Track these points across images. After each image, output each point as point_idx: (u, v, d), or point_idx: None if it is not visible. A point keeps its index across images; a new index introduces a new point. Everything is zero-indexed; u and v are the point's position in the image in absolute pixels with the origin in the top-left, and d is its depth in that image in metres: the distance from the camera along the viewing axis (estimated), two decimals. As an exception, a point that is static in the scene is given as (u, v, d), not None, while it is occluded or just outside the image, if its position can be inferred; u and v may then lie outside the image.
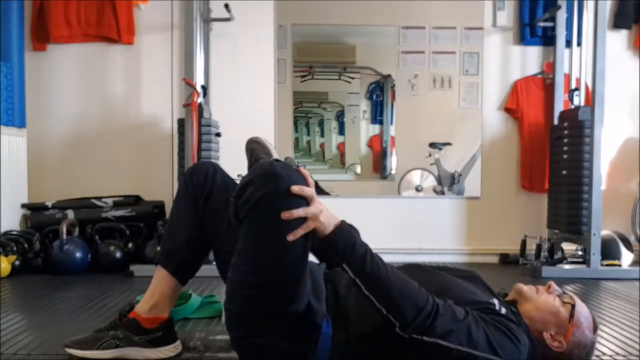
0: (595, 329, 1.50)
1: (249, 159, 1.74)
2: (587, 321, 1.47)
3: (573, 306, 1.46)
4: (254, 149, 1.74)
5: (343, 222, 1.34)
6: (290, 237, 1.27)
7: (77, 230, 3.40)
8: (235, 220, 1.35)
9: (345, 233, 1.32)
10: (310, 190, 1.30)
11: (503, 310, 1.39)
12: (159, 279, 1.69)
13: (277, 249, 1.30)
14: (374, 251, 1.34)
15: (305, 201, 1.29)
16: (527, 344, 1.39)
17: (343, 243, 1.30)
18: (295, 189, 1.28)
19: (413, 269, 1.54)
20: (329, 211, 1.32)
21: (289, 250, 1.30)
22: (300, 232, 1.28)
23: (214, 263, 1.71)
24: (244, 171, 1.82)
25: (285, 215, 1.27)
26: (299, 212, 1.27)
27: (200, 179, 1.65)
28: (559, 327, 1.45)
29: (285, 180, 1.29)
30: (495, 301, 1.42)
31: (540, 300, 1.49)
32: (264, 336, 1.38)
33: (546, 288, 1.53)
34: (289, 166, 1.34)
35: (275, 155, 1.66)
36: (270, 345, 1.38)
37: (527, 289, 1.52)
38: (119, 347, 1.64)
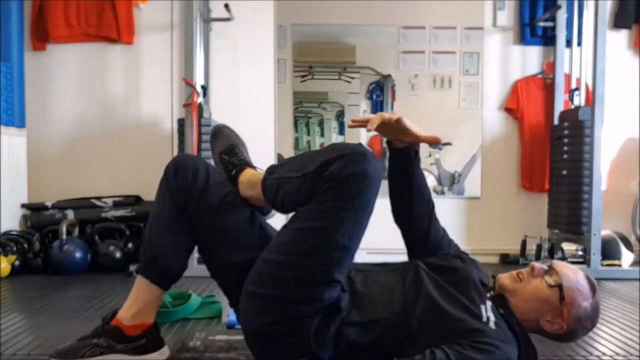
0: (593, 292, 1.44)
1: (222, 143, 1.66)
2: (581, 293, 1.42)
3: (560, 287, 1.41)
4: (225, 134, 1.69)
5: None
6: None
7: (76, 230, 3.40)
8: (304, 197, 1.37)
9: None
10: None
11: (491, 322, 1.36)
12: (141, 287, 1.61)
13: (344, 227, 1.33)
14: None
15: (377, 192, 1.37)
16: (510, 335, 1.37)
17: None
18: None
19: (408, 273, 1.52)
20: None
21: (359, 228, 1.35)
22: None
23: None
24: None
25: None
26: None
27: (188, 177, 1.55)
28: (554, 311, 1.42)
29: (374, 165, 1.34)
30: (486, 309, 1.39)
31: (526, 291, 1.45)
32: (290, 322, 1.37)
33: (529, 271, 1.47)
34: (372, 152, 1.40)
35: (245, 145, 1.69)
36: (294, 331, 1.38)
37: (508, 282, 1.48)
38: (103, 354, 1.59)
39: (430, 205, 1.62)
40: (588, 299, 1.43)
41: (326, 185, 1.33)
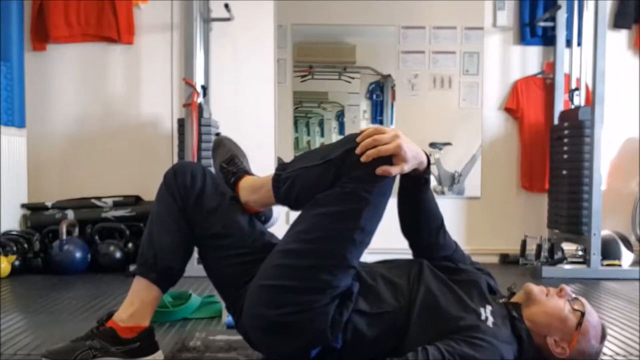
0: (603, 338, 1.48)
1: (223, 154, 1.70)
2: (595, 330, 1.45)
3: (583, 314, 1.44)
4: (226, 145, 1.72)
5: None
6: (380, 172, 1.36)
7: (77, 230, 3.40)
8: (326, 185, 1.40)
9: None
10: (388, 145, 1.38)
11: (489, 321, 1.37)
12: (139, 287, 1.59)
13: (367, 209, 1.38)
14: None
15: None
16: (509, 336, 1.39)
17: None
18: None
19: (414, 267, 1.54)
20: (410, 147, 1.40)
21: (379, 212, 1.41)
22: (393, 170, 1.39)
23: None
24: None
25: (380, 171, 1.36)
26: (395, 170, 1.38)
27: (186, 180, 1.57)
28: (565, 334, 1.44)
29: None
30: (485, 310, 1.41)
31: (550, 304, 1.47)
32: (307, 312, 1.38)
33: (557, 291, 1.50)
34: None
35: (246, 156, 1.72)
36: (310, 321, 1.38)
37: (537, 290, 1.50)
38: (96, 357, 1.56)
39: (439, 222, 1.62)
40: (598, 340, 1.46)
41: (351, 168, 1.36)
